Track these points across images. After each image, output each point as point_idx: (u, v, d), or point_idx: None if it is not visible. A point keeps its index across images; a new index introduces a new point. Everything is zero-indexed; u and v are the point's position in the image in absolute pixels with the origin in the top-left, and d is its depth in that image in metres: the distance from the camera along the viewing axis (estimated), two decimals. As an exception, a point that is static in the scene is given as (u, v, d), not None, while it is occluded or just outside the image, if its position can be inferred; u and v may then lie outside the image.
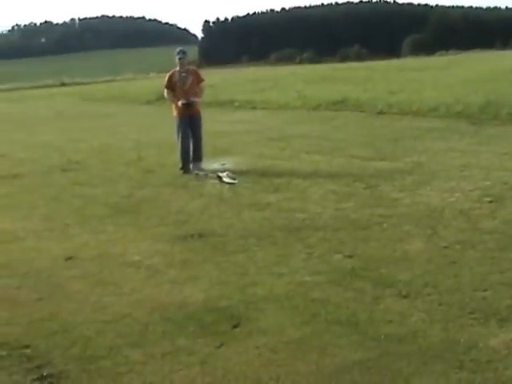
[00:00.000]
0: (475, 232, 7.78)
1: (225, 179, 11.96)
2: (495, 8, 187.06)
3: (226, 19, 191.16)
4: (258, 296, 6.16)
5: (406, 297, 5.92)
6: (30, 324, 5.91)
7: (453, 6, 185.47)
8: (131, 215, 9.92)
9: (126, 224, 9.38)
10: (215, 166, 13.25)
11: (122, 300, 6.35)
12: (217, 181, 11.96)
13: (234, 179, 11.93)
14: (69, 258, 7.84)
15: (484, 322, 5.29)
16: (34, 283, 7.07)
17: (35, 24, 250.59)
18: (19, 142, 20.98)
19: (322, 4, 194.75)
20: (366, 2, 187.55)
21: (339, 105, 24.71)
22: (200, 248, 7.92)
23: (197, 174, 12.84)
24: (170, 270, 7.15)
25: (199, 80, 13.64)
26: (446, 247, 7.25)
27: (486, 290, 5.93)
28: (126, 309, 6.10)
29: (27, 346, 5.44)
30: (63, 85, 76.53)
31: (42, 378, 4.90)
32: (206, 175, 12.59)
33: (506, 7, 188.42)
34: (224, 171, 12.28)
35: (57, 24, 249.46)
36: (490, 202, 9.17)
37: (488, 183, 10.32)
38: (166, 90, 13.70)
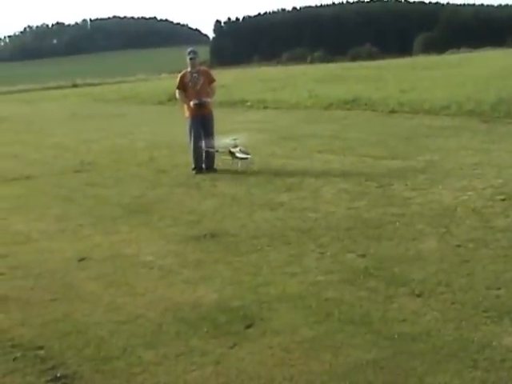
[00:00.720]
0: (488, 230, 7.75)
1: (238, 155, 11.86)
2: (506, 6, 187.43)
3: (238, 19, 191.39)
4: (271, 296, 6.16)
5: (419, 296, 5.90)
6: (44, 325, 5.93)
7: (464, 4, 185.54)
8: (144, 215, 9.94)
9: (138, 224, 9.41)
10: (227, 141, 13.13)
11: (136, 300, 6.37)
12: (229, 157, 11.87)
13: (247, 154, 11.82)
14: (82, 259, 7.87)
15: (498, 321, 5.27)
16: (48, 284, 7.09)
17: (47, 25, 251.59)
18: (32, 143, 21.10)
19: (333, 3, 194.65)
20: (376, 1, 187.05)
21: (351, 104, 24.69)
22: (213, 248, 7.93)
23: (207, 150, 12.76)
24: (183, 271, 7.16)
25: (211, 80, 13.64)
26: (458, 246, 7.23)
27: (499, 289, 5.91)
28: (139, 309, 6.11)
29: (41, 347, 5.45)
30: (75, 86, 76.84)
31: (55, 379, 4.91)
32: (217, 151, 12.52)
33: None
34: (236, 146, 12.21)
35: (68, 25, 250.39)
36: (503, 200, 9.14)
37: (500, 181, 10.28)
38: (177, 91, 13.71)
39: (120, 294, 6.60)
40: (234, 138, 13.21)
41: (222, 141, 13.19)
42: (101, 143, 19.52)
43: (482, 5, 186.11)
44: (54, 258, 8.05)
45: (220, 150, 12.83)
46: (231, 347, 5.21)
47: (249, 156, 11.60)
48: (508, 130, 16.25)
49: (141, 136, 20.55)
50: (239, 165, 11.96)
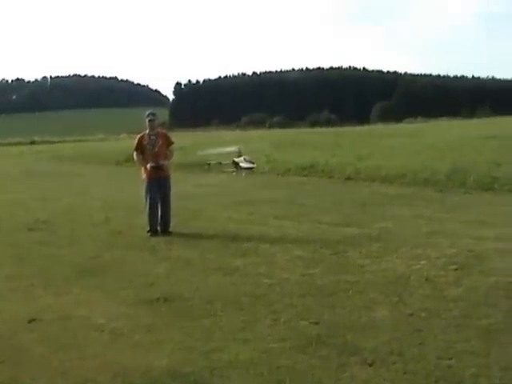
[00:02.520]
0: (440, 300, 7.81)
1: (242, 164, 11.65)
2: (462, 77, 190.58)
3: (198, 82, 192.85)
4: (223, 362, 6.11)
5: (371, 365, 5.90)
6: (-10, 388, 5.80)
7: (421, 74, 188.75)
8: (97, 277, 9.83)
9: (91, 286, 9.30)
10: (231, 149, 12.96)
11: (85, 364, 6.26)
12: (233, 168, 11.59)
13: (252, 163, 11.61)
14: (32, 320, 7.73)
15: (448, 392, 5.28)
16: (-5, 346, 6.95)
17: (7, 81, 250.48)
18: (-15, 200, 20.82)
19: (293, 69, 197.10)
20: (336, 69, 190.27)
21: (308, 170, 24.93)
22: (165, 312, 7.86)
23: (209, 163, 12.49)
24: (134, 334, 7.07)
25: (169, 143, 13.67)
26: (411, 315, 7.27)
27: (450, 359, 5.94)
28: (88, 373, 6.01)
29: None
30: (33, 143, 76.52)
31: None
32: (220, 163, 12.29)
33: (473, 76, 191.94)
34: (240, 156, 11.99)
35: (28, 81, 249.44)
36: (456, 269, 9.24)
37: (454, 251, 10.40)
38: (135, 153, 13.68)
39: (69, 357, 6.48)
40: (238, 146, 12.92)
41: (223, 150, 13.02)
42: (56, 202, 19.37)
43: (439, 75, 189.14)
44: (2, 319, 7.90)
45: (223, 162, 12.59)
46: (181, 414, 5.14)
47: (254, 165, 11.36)
48: (462, 200, 16.52)
49: (97, 196, 20.45)
50: (243, 175, 11.71)
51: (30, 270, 10.59)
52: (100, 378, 5.90)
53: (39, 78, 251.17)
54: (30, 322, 7.70)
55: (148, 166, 13.25)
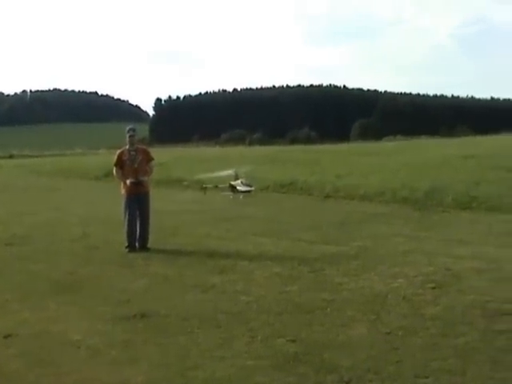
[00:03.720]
0: (418, 318, 7.83)
1: (239, 188, 11.56)
2: (441, 96, 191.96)
3: (178, 97, 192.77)
4: (199, 380, 6.09)
5: (348, 383, 5.90)
6: (-37, 404, 5.74)
7: (401, 93, 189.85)
8: (74, 293, 9.77)
9: (67, 302, 9.24)
10: (229, 172, 12.90)
11: (61, 380, 6.22)
12: (229, 192, 11.45)
13: (250, 186, 11.50)
14: (7, 336, 7.67)
15: (424, 411, 5.29)
16: (-30, 361, 6.88)
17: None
18: (-38, 215, 20.67)
19: (274, 86, 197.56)
20: (316, 86, 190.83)
21: (287, 187, 24.96)
22: (142, 329, 7.83)
23: (205, 187, 12.38)
24: (110, 351, 7.03)
25: (149, 159, 13.65)
26: (388, 333, 7.28)
27: (427, 377, 5.95)
28: (64, 390, 5.96)
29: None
30: (11, 157, 76.08)
31: None
32: (216, 187, 12.18)
33: (452, 95, 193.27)
34: (237, 179, 11.88)
35: (8, 95, 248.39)
36: (433, 288, 9.28)
37: (431, 269, 10.45)
38: (114, 168, 13.66)
39: (45, 373, 6.43)
40: (233, 169, 12.86)
41: (220, 174, 12.97)
42: (34, 216, 19.27)
43: (419, 94, 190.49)
44: (-22, 334, 7.84)
45: (220, 185, 12.47)
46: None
47: (252, 188, 11.27)
48: (440, 219, 16.60)
49: (75, 211, 20.36)
50: (241, 197, 11.61)
51: (6, 284, 10.51)
52: (75, 394, 5.86)
53: (18, 91, 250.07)
54: (5, 337, 7.64)
55: (128, 181, 13.22)
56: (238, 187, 11.29)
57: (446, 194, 19.71)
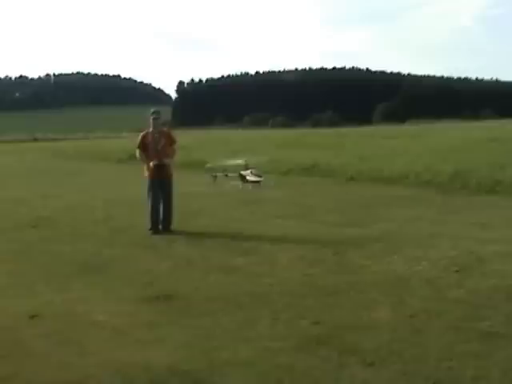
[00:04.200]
0: (441, 301, 7.81)
1: (249, 178, 11.54)
2: (466, 79, 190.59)
3: (201, 80, 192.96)
4: (222, 360, 6.11)
5: (371, 365, 5.89)
6: (-10, 383, 5.81)
7: (424, 76, 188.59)
8: (98, 274, 9.84)
9: (92, 283, 9.30)
10: (237, 161, 12.90)
11: (86, 360, 6.26)
12: (239, 182, 11.43)
13: (259, 176, 11.49)
14: (33, 316, 7.74)
15: (448, 393, 5.28)
16: (-3, 341, 6.96)
17: (10, 78, 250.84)
18: (-13, 197, 20.84)
19: (296, 69, 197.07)
20: (339, 69, 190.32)
21: (310, 170, 24.92)
22: (166, 310, 7.87)
23: (215, 175, 12.36)
24: (135, 331, 7.08)
25: (172, 141, 13.66)
26: (412, 316, 7.26)
27: (451, 360, 5.93)
28: (89, 369, 6.01)
29: (-14, 406, 5.34)
30: (36, 140, 76.59)
31: None
32: (226, 176, 12.17)
33: (477, 78, 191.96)
34: (248, 169, 11.86)
35: (32, 79, 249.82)
36: (457, 271, 9.23)
37: (455, 252, 10.40)
38: (137, 151, 13.69)
39: (70, 353, 6.49)
40: (244, 158, 12.85)
41: (231, 161, 12.92)
42: (58, 199, 19.38)
43: (442, 77, 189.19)
44: (4, 314, 7.91)
45: (229, 174, 12.47)
46: (180, 412, 5.14)
47: (261, 178, 11.25)
48: (463, 202, 16.50)
49: (99, 193, 20.45)
50: (250, 188, 11.61)
51: (32, 266, 10.59)
52: (100, 374, 5.91)
53: (42, 75, 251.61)
54: (31, 317, 7.70)
55: (151, 164, 13.25)
56: (247, 177, 11.28)
57: (470, 177, 19.58)
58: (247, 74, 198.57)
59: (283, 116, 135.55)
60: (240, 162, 12.19)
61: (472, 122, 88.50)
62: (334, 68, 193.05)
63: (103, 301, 8.36)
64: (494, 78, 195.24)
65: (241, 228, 13.47)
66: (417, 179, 20.64)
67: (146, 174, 13.44)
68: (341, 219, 14.10)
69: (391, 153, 29.59)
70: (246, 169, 12.47)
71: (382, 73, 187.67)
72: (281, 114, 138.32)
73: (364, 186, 20.54)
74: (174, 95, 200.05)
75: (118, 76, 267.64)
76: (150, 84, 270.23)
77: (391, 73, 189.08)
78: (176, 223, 13.50)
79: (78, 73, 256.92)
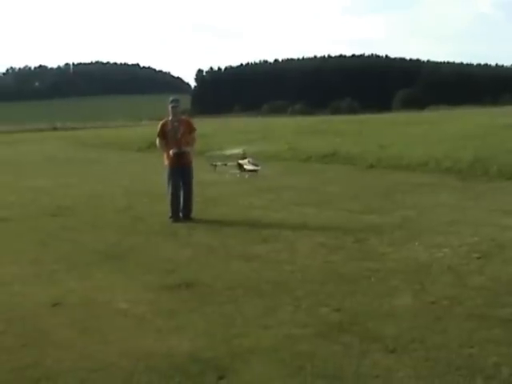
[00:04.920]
0: (463, 288, 7.78)
1: (246, 167, 11.64)
2: (486, 65, 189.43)
3: (220, 69, 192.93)
4: (244, 348, 6.13)
5: (392, 352, 5.89)
6: (13, 371, 5.84)
7: (444, 62, 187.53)
8: (119, 262, 9.88)
9: (113, 271, 9.35)
10: (235, 151, 13.03)
11: (108, 348, 6.30)
12: (237, 170, 11.54)
13: (256, 166, 11.60)
14: (55, 304, 7.79)
15: (470, 380, 5.27)
16: (19, 329, 7.00)
17: (30, 68, 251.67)
18: (8, 186, 20.98)
19: (315, 56, 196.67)
20: (358, 56, 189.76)
21: (330, 157, 24.89)
22: (187, 298, 7.89)
23: (215, 165, 12.50)
24: (156, 319, 7.11)
25: (191, 130, 13.67)
26: (433, 303, 7.25)
27: (472, 347, 5.91)
28: (111, 357, 6.04)
29: (9, 394, 5.38)
30: (55, 129, 76.96)
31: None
32: (225, 165, 12.29)
33: (496, 64, 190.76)
34: (245, 158, 11.97)
35: (51, 68, 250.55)
36: (478, 258, 9.20)
37: (476, 239, 10.35)
38: (157, 139, 13.72)
39: (92, 341, 6.53)
40: (243, 148, 12.97)
41: (230, 150, 13.07)
42: (78, 188, 19.47)
43: (462, 63, 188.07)
44: (26, 303, 7.96)
45: (228, 163, 12.61)
46: (202, 399, 5.16)
47: (258, 168, 11.36)
48: (484, 189, 16.41)
49: (119, 182, 20.52)
50: (246, 176, 11.70)
51: (53, 255, 10.65)
52: (123, 362, 5.94)
53: (62, 64, 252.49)
54: (53, 305, 7.76)
55: (171, 152, 13.27)
56: (245, 166, 11.37)
57: (491, 163, 19.45)
58: (266, 61, 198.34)
59: (302, 104, 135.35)
60: (238, 151, 12.29)
61: (492, 107, 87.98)
62: (353, 55, 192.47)
63: (124, 289, 8.39)
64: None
65: (261, 215, 13.48)
66: (437, 166, 20.55)
67: (166, 162, 13.47)
68: (361, 206, 14.07)
69: (411, 140, 29.50)
70: (244, 158, 12.55)
71: (402, 59, 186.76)
72: (300, 101, 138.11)
73: (384, 173, 20.48)
74: (193, 83, 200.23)
75: (137, 65, 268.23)
76: (169, 72, 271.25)
77: (410, 60, 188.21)
78: (196, 211, 13.52)
79: (96, 62, 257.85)
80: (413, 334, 6.29)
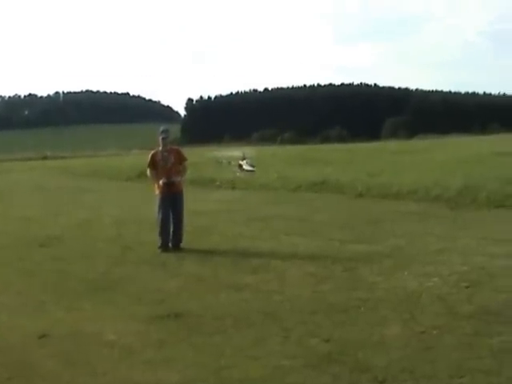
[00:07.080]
0: (452, 317, 7.77)
1: (245, 167, 11.90)
2: (473, 93, 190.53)
3: (210, 98, 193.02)
4: (233, 379, 6.10)
5: (382, 382, 5.87)
6: (-1, 404, 5.79)
7: (432, 91, 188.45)
8: (108, 293, 9.84)
9: (102, 302, 9.30)
10: (237, 153, 13.34)
11: (96, 380, 6.26)
12: (237, 169, 11.78)
13: (253, 167, 11.85)
14: (42, 336, 7.74)
15: (460, 411, 5.25)
16: (5, 361, 6.95)
17: (19, 96, 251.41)
18: (-3, 215, 20.89)
19: (305, 85, 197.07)
20: (347, 85, 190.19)
21: (319, 186, 24.90)
22: (176, 328, 7.86)
23: (221, 161, 12.77)
24: (145, 351, 7.07)
25: (182, 159, 13.70)
26: (422, 332, 7.24)
27: (462, 377, 5.90)
28: (99, 389, 6.00)
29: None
30: (45, 158, 76.82)
31: None
32: (229, 163, 12.54)
33: (484, 93, 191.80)
34: (244, 159, 12.28)
35: (41, 97, 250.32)
36: (467, 287, 9.19)
37: (465, 268, 10.35)
38: (148, 169, 13.74)
39: (80, 373, 6.48)
40: (245, 151, 13.31)
41: (233, 152, 13.40)
42: (68, 217, 19.42)
43: (450, 91, 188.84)
44: (13, 334, 7.91)
45: (232, 161, 12.96)
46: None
47: (254, 169, 11.66)
48: (473, 217, 16.45)
49: (108, 211, 20.47)
50: (243, 175, 11.97)
51: (41, 285, 10.61)
52: (110, 394, 5.89)
53: (51, 93, 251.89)
54: (40, 337, 7.71)
55: (160, 182, 13.28)
56: (243, 166, 11.75)
57: (480, 191, 19.49)
58: (256, 90, 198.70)
59: (292, 132, 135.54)
60: (238, 153, 12.70)
61: (480, 136, 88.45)
62: (342, 84, 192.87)
63: (113, 320, 8.35)
64: (502, 93, 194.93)
65: (250, 245, 13.46)
66: (426, 194, 20.57)
67: (157, 191, 13.47)
68: (350, 235, 14.07)
69: (400, 168, 29.62)
70: (244, 159, 12.98)
71: (390, 88, 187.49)
72: (289, 130, 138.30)
73: (373, 202, 20.50)
74: (182, 112, 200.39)
75: (127, 94, 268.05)
76: (159, 101, 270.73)
77: (399, 88, 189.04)
78: (186, 240, 13.50)
79: (86, 91, 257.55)
80: (402, 363, 6.27)
